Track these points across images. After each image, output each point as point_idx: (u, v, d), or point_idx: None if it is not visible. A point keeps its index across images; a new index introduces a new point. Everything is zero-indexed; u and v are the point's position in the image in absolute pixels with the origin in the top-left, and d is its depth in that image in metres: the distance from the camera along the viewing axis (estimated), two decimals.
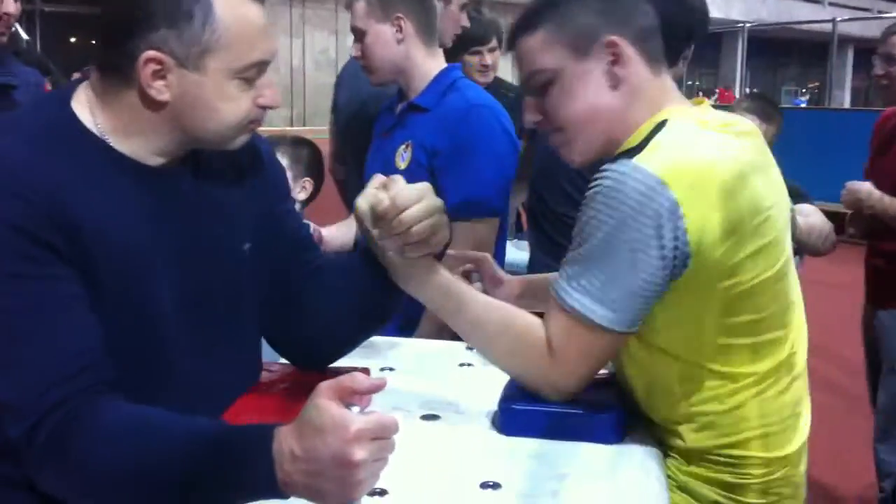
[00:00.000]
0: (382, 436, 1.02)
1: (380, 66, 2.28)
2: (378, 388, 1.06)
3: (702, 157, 1.32)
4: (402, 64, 2.27)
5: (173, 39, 1.18)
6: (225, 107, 1.23)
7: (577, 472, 1.31)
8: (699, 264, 1.30)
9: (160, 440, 1.11)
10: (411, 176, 2.21)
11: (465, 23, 3.07)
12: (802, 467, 1.48)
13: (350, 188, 3.16)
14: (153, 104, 1.22)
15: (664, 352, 1.39)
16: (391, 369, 1.72)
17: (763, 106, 3.12)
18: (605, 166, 1.33)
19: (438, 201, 1.33)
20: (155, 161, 1.27)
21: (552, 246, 2.65)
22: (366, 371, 1.49)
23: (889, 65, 2.91)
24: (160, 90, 1.20)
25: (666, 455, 1.43)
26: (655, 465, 1.36)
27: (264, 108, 1.28)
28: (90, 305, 1.17)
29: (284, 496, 1.06)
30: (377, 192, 1.31)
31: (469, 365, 1.80)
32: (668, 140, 1.33)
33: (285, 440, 1.04)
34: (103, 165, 1.23)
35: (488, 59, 3.58)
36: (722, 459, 1.40)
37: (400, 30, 2.23)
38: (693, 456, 1.42)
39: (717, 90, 23.21)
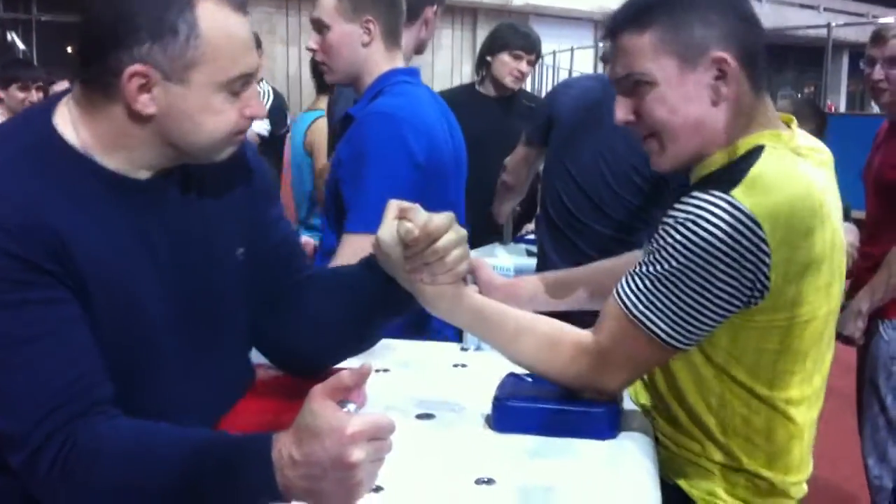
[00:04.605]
0: (379, 436, 1.03)
1: (340, 67, 2.17)
2: (364, 376, 1.07)
3: (798, 198, 1.32)
4: (361, 68, 2.16)
5: (158, 53, 1.17)
6: (210, 119, 1.23)
7: (571, 467, 1.32)
8: (773, 298, 1.32)
9: (160, 455, 1.11)
10: (327, 189, 2.12)
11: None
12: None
13: None
14: (139, 118, 1.20)
15: (724, 372, 1.41)
16: (386, 370, 1.73)
17: (798, 107, 3.08)
18: (697, 193, 1.32)
19: (464, 231, 1.35)
20: (142, 174, 1.26)
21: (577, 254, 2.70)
22: None
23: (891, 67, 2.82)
24: (146, 104, 1.19)
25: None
26: (649, 461, 1.37)
27: (250, 118, 1.28)
28: (87, 324, 1.17)
29: (286, 501, 1.07)
30: (403, 223, 1.32)
31: (463, 366, 1.80)
32: (767, 174, 1.32)
33: (284, 446, 1.05)
34: (88, 183, 1.21)
35: (526, 67, 3.66)
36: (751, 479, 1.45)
37: (368, 32, 2.13)
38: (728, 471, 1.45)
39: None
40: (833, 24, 12.44)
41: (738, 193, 1.29)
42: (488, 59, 3.67)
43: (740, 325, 1.36)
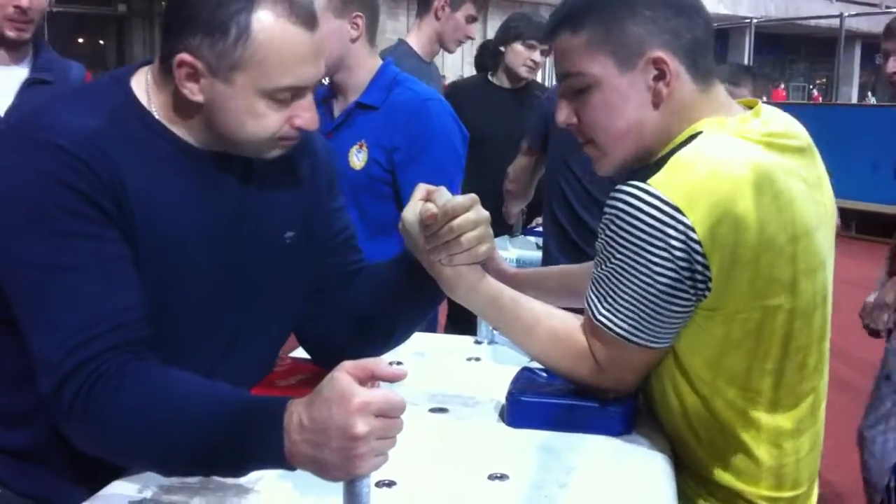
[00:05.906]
0: (388, 413, 1.02)
1: (329, 62, 2.23)
2: (398, 377, 1.06)
3: (720, 176, 1.27)
4: (348, 62, 2.29)
5: (206, 48, 1.21)
6: (251, 122, 1.25)
7: (584, 463, 1.31)
8: (722, 278, 1.27)
9: (180, 401, 1.13)
10: (369, 175, 2.27)
11: (472, 34, 3.13)
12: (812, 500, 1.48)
13: None
14: (188, 103, 1.25)
15: (688, 376, 1.37)
16: (399, 363, 1.72)
17: (732, 72, 3.10)
18: (619, 186, 1.31)
19: (486, 213, 1.34)
20: (204, 146, 1.30)
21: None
22: None
23: None
24: (193, 91, 1.24)
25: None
26: (663, 458, 1.36)
27: (299, 129, 1.29)
28: (134, 267, 1.20)
29: (291, 467, 1.07)
30: (425, 203, 1.32)
31: (477, 359, 1.80)
32: (685, 156, 1.30)
33: (296, 411, 1.05)
34: (156, 143, 1.27)
35: (539, 57, 3.68)
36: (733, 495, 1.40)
37: (356, 27, 2.25)
38: (711, 486, 1.41)
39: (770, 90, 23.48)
40: (845, 13, 12.40)
41: (654, 180, 1.27)
42: (502, 49, 3.69)
43: (700, 322, 1.32)
